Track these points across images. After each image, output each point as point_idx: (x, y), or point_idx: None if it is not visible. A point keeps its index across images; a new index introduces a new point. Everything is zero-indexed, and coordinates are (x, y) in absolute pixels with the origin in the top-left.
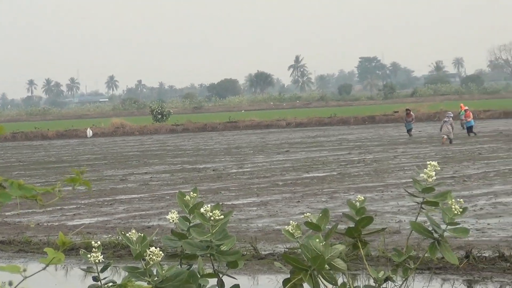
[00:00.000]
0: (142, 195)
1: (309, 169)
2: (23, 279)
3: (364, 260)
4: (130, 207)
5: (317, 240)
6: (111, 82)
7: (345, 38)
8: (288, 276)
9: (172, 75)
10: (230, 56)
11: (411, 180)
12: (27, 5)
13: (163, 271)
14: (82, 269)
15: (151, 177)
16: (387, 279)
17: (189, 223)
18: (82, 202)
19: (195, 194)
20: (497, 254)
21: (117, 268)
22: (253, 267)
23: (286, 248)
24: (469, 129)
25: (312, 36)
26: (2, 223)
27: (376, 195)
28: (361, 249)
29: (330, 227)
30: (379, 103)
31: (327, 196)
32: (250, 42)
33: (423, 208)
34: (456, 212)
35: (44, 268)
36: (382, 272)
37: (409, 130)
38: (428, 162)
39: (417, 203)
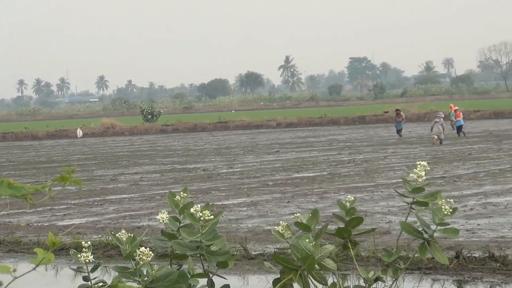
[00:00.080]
0: (132, 195)
1: (299, 169)
2: (13, 280)
3: (354, 261)
4: (120, 207)
5: (307, 240)
6: (101, 82)
7: (335, 39)
8: (278, 276)
9: (162, 75)
10: (220, 56)
11: (401, 180)
12: (17, 5)
13: (153, 271)
14: (72, 269)
15: (141, 177)
16: (377, 279)
17: (179, 223)
18: (72, 202)
19: (185, 194)
20: (487, 255)
21: (107, 268)
22: (243, 267)
23: (276, 248)
24: (459, 128)
25: (302, 37)
26: None
27: (366, 195)
28: (351, 249)
29: (320, 227)
30: (369, 103)
31: (317, 196)
32: (240, 42)
33: (413, 209)
34: (446, 212)
35: (34, 269)
36: (372, 273)
37: (399, 131)
38: (418, 162)
39: (407, 203)
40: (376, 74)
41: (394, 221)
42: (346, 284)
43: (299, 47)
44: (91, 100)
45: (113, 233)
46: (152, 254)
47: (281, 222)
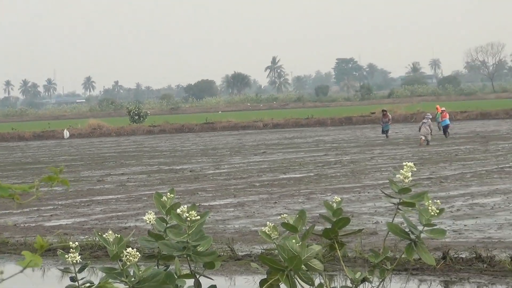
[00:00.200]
0: (119, 196)
1: (286, 170)
2: (0, 282)
3: (341, 261)
4: (107, 208)
5: (294, 241)
6: (88, 83)
7: (322, 40)
8: (265, 276)
9: (149, 76)
10: (207, 57)
11: (388, 181)
12: (3, 6)
13: (140, 272)
14: (60, 270)
15: (128, 178)
16: (364, 280)
17: (166, 224)
18: (59, 203)
19: (172, 195)
20: (474, 255)
21: (94, 269)
22: (230, 268)
23: (263, 249)
24: (445, 128)
25: (289, 37)
26: None
27: (353, 196)
28: (338, 250)
29: (307, 228)
30: (356, 104)
31: (304, 197)
32: (227, 43)
33: (400, 209)
34: (433, 213)
35: (21, 271)
36: (359, 273)
37: (386, 131)
38: (404, 163)
39: (394, 204)
40: (363, 75)
41: (381, 222)
42: (333, 285)
43: (286, 48)
44: (78, 101)
45: (100, 233)
46: (139, 255)
47: (268, 222)
